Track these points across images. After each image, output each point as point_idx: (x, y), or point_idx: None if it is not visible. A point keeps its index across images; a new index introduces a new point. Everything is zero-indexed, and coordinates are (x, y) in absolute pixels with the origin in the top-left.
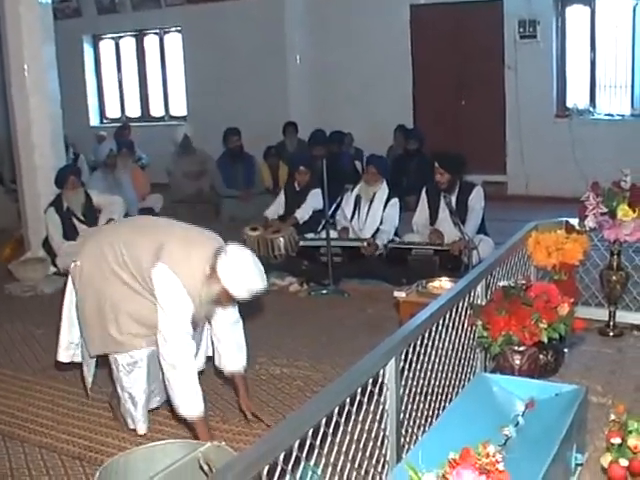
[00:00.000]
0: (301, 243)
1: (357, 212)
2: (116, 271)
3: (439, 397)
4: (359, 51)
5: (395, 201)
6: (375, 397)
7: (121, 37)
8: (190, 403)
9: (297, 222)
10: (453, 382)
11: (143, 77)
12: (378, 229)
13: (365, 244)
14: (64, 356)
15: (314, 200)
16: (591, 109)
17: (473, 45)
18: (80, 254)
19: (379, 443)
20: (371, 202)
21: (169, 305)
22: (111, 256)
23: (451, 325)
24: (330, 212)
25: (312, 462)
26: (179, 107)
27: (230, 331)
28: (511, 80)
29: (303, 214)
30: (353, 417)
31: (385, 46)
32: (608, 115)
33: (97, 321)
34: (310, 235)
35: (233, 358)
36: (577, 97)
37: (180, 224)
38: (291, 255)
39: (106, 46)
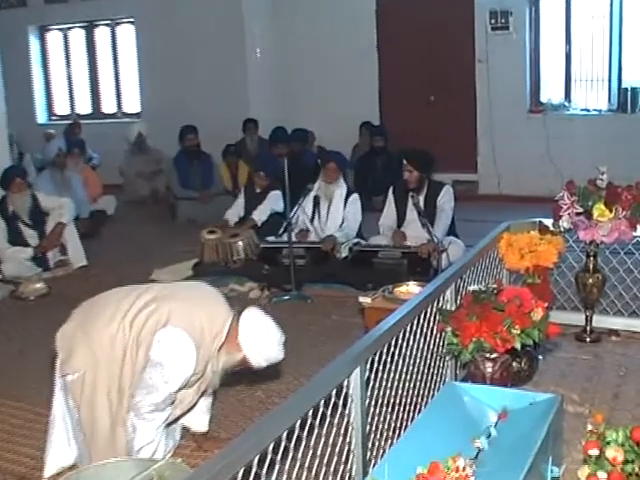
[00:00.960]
0: (261, 246)
1: (317, 213)
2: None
3: (407, 408)
4: (323, 44)
5: (355, 197)
6: (339, 409)
7: (70, 28)
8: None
9: (256, 224)
10: (422, 392)
11: (94, 71)
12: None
13: (325, 242)
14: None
15: (273, 201)
16: (566, 104)
17: (443, 37)
18: (75, 360)
19: (344, 458)
20: (330, 201)
21: (171, 370)
22: (120, 348)
23: (419, 332)
24: (292, 214)
25: (272, 479)
26: (132, 103)
27: (205, 394)
28: (482, 74)
29: (261, 216)
30: (316, 430)
31: (350, 38)
32: (584, 110)
33: (110, 434)
34: (271, 238)
35: (200, 419)
36: (552, 92)
37: (182, 284)
38: (251, 259)
39: (54, 38)
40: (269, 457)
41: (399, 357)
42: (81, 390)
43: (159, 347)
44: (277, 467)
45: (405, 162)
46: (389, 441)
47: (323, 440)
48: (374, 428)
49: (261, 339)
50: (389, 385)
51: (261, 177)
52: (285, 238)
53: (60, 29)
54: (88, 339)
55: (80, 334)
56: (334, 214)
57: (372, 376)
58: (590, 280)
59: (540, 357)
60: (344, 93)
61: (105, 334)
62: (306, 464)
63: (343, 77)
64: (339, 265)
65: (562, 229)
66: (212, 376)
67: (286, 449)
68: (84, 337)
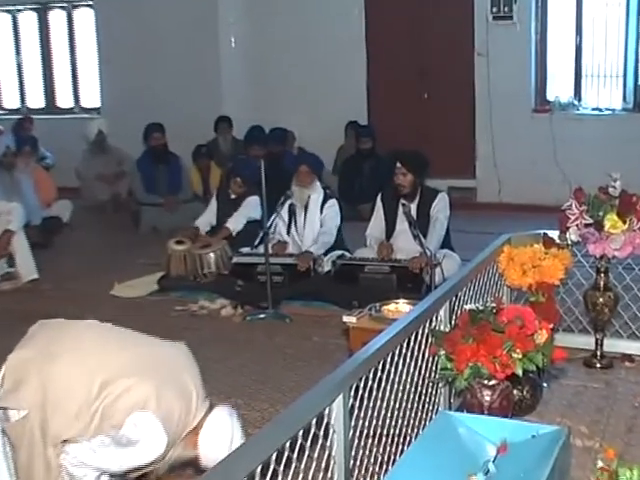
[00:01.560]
0: (235, 259)
1: (294, 222)
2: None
3: (395, 440)
4: (305, 33)
5: (333, 202)
6: (320, 441)
7: (20, 11)
8: None
9: (230, 234)
10: (412, 422)
11: (47, 60)
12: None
13: (301, 259)
14: None
15: (249, 208)
16: (576, 102)
17: (438, 28)
18: (22, 395)
19: None
20: (307, 208)
21: (132, 457)
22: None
23: (409, 355)
24: (269, 222)
25: None
26: (91, 97)
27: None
28: (482, 69)
29: (236, 224)
30: (294, 464)
31: (335, 28)
32: (596, 109)
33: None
34: (245, 250)
35: None
36: (560, 88)
37: (164, 350)
38: (223, 273)
39: (1, 21)
40: None
41: (387, 383)
42: (22, 432)
43: (131, 430)
44: None
45: (399, 164)
46: (375, 477)
47: (302, 475)
48: (358, 462)
49: (221, 447)
50: (375, 414)
51: (237, 183)
52: (261, 250)
53: (8, 11)
54: (43, 377)
55: (36, 368)
56: (311, 222)
57: (357, 404)
58: (601, 299)
59: (544, 385)
60: (328, 89)
61: (64, 382)
62: None
63: (327, 71)
64: (321, 281)
65: (569, 242)
66: (161, 465)
67: None
68: (39, 373)
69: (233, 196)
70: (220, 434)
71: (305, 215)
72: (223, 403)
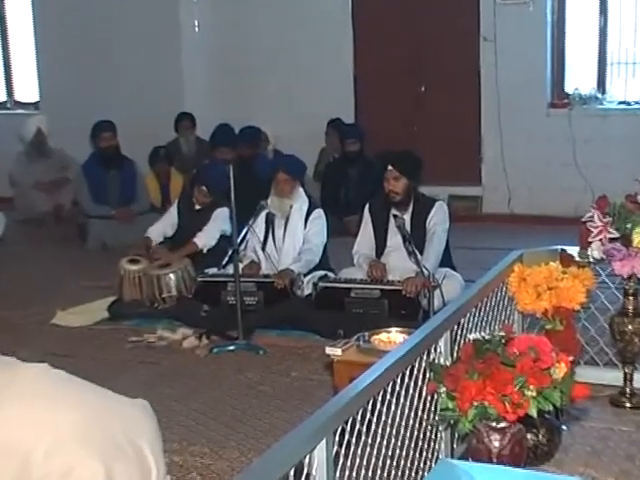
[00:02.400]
0: (199, 280)
1: (271, 235)
2: None
3: None
4: (282, 15)
5: (319, 212)
6: None
7: None
8: None
9: (198, 251)
10: (407, 472)
11: None
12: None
13: (279, 276)
14: None
15: (220, 222)
16: (599, 96)
17: (437, 10)
18: None
19: None
20: (287, 220)
21: None
22: None
23: (404, 393)
24: (240, 238)
25: None
26: (28, 90)
27: None
28: (489, 57)
29: (208, 240)
30: None
31: (318, 10)
32: (622, 104)
33: None
34: (212, 270)
35: None
36: (580, 79)
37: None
38: (186, 297)
39: None
40: None
41: (378, 427)
42: None
43: None
44: None
45: (390, 167)
46: None
47: None
48: None
49: None
50: (364, 464)
51: (202, 192)
52: (230, 270)
53: None
54: None
55: None
56: (293, 236)
57: (342, 452)
58: (629, 326)
59: (564, 428)
60: (308, 82)
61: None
62: None
63: (307, 60)
64: (300, 306)
65: (591, 260)
66: None
67: None
68: None
69: (197, 207)
70: None
71: (285, 227)
72: None
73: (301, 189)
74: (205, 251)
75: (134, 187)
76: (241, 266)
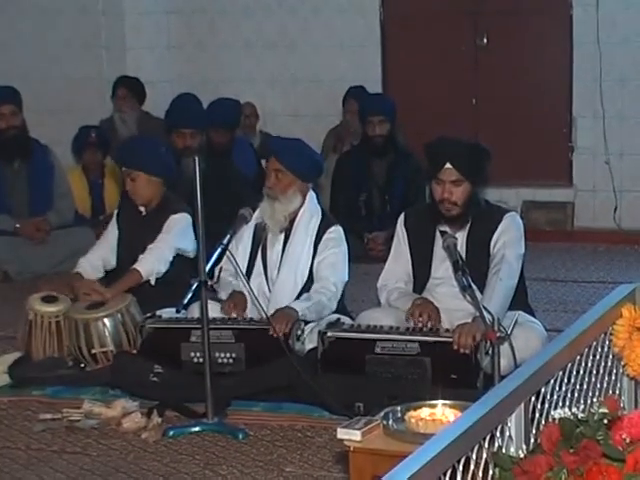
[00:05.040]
0: (148, 327)
1: (261, 261)
2: None
3: None
4: None
5: (337, 232)
6: None
7: None
8: None
9: (142, 282)
10: None
11: None
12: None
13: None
14: None
15: (174, 235)
16: None
17: None
18: None
19: None
20: (287, 237)
21: None
22: None
23: None
24: (211, 263)
25: None
26: None
27: None
28: None
29: (154, 265)
30: None
31: None
32: None
33: None
34: (167, 312)
35: None
36: None
37: None
38: (128, 353)
39: None
40: None
41: None
42: None
43: None
44: None
45: (448, 164)
46: None
47: None
48: None
49: None
50: None
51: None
52: (195, 313)
53: None
54: None
55: None
56: (294, 264)
57: None
58: None
59: None
60: (316, 33)
61: None
62: None
63: (313, 3)
64: (299, 367)
65: None
66: None
67: None
68: None
69: (144, 211)
70: None
71: (284, 248)
72: None
73: (312, 194)
74: (153, 282)
75: (50, 187)
76: (221, 299)
